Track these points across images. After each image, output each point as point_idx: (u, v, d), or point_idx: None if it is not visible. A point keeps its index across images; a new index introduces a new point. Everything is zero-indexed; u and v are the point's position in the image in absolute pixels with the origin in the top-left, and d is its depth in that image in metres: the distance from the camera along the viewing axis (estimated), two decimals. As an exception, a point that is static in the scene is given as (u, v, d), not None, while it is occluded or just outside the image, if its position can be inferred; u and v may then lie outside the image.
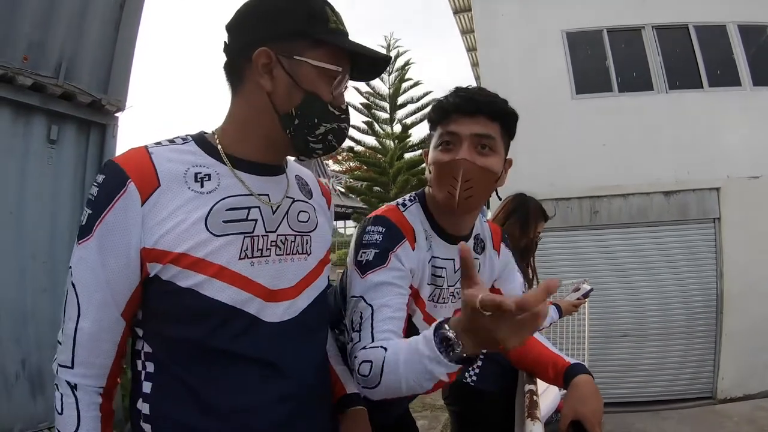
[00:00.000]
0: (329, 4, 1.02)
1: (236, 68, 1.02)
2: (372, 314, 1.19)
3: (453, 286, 1.44)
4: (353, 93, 20.45)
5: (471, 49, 10.92)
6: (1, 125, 3.45)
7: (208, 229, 0.95)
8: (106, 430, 0.99)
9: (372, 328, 1.18)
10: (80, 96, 3.77)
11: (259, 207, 1.02)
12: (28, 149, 3.65)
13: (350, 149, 21.60)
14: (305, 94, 0.98)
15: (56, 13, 3.65)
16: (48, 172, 3.78)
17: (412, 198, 1.45)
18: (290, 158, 1.16)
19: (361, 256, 1.27)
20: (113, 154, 4.23)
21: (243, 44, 1.00)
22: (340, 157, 27.03)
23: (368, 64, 1.07)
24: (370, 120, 20.59)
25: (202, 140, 1.04)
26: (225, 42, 1.04)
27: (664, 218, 6.66)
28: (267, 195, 1.05)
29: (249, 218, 1.01)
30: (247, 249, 0.99)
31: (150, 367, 0.99)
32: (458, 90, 1.36)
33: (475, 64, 11.33)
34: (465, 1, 8.84)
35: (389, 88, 20.44)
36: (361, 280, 1.24)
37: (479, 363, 2.50)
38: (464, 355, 0.93)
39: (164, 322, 0.97)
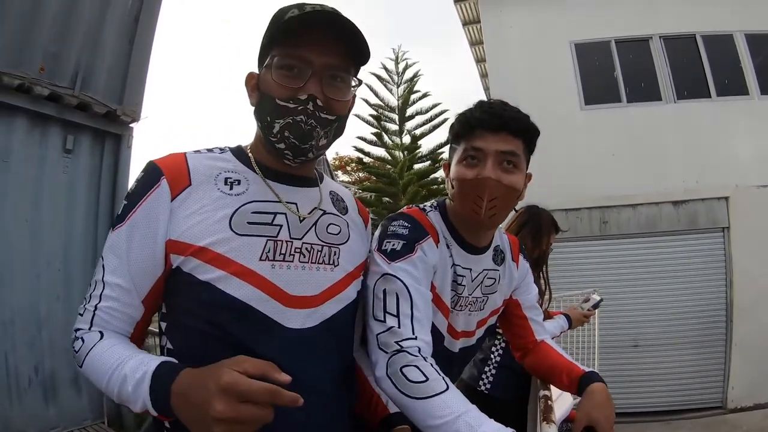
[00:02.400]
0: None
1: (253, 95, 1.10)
2: (411, 300, 1.18)
3: (471, 294, 1.45)
4: (363, 105, 20.44)
5: (480, 60, 10.95)
6: (17, 134, 3.50)
7: (231, 228, 0.99)
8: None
9: (411, 314, 1.17)
10: (96, 106, 3.83)
11: (285, 214, 1.05)
12: (44, 158, 3.70)
13: (359, 160, 21.60)
14: (259, 96, 1.05)
15: (73, 25, 3.71)
16: (63, 180, 3.84)
17: (432, 206, 1.46)
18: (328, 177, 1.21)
19: (386, 245, 1.25)
20: (128, 164, 4.29)
21: (256, 74, 1.09)
22: (349, 168, 27.03)
23: (342, 37, 1.02)
24: (379, 131, 20.59)
25: (238, 151, 1.11)
26: None
27: (674, 228, 6.64)
28: (295, 204, 1.08)
29: (274, 223, 1.03)
30: (269, 252, 1.01)
31: None
32: (483, 104, 1.35)
33: (484, 75, 11.37)
34: (474, 13, 8.89)
35: (398, 100, 20.43)
36: (389, 264, 1.22)
37: (493, 371, 2.51)
38: None
39: (184, 315, 1.00)
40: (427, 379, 1.08)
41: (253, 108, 1.08)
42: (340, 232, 1.14)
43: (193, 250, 0.97)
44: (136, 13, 4.25)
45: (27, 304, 3.68)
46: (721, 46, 7.00)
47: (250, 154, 1.10)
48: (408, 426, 1.22)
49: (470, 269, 1.43)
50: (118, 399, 0.93)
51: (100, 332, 0.98)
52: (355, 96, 1.12)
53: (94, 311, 0.98)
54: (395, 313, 1.16)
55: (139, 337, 1.05)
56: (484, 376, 2.53)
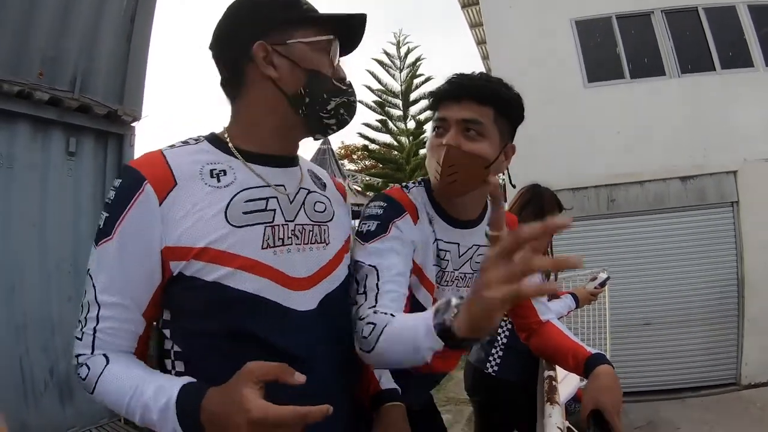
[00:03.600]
0: None
1: (237, 73, 1.06)
2: (377, 275, 1.20)
3: (458, 269, 1.45)
4: (366, 92, 20.42)
5: (481, 42, 10.88)
6: (20, 140, 3.52)
7: (228, 221, 0.97)
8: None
9: (377, 290, 1.17)
10: (96, 108, 3.84)
11: (276, 197, 1.05)
12: (48, 162, 3.72)
13: (365, 147, 21.57)
14: (308, 72, 1.04)
15: (69, 28, 3.72)
16: (68, 183, 3.86)
17: (417, 182, 1.47)
18: (301, 155, 1.20)
19: (362, 227, 1.29)
20: (131, 164, 4.29)
21: (238, 49, 1.04)
22: (355, 156, 27.07)
23: (349, 32, 1.11)
24: (383, 118, 20.54)
25: (214, 138, 1.07)
26: (216, 59, 1.10)
27: (682, 204, 6.59)
28: (283, 185, 1.07)
29: (268, 208, 1.03)
30: (269, 238, 1.01)
31: (180, 366, 1.00)
32: (452, 76, 1.37)
33: (486, 57, 11.29)
34: (473, -6, 8.82)
35: (401, 85, 20.38)
36: (363, 246, 1.25)
37: (500, 353, 2.52)
38: (455, 335, 0.87)
39: (192, 318, 0.98)
40: (375, 324, 1.07)
41: (275, 81, 1.03)
42: (325, 209, 1.15)
43: (195, 253, 0.94)
44: (131, 12, 4.24)
45: (39, 307, 3.71)
46: (724, 18, 6.89)
47: (228, 141, 1.07)
48: (401, 404, 1.25)
49: (457, 244, 1.43)
50: (142, 423, 0.91)
51: (105, 355, 0.95)
52: None
53: (93, 334, 0.95)
54: (363, 291, 1.18)
55: (143, 351, 1.02)
56: (491, 358, 2.54)
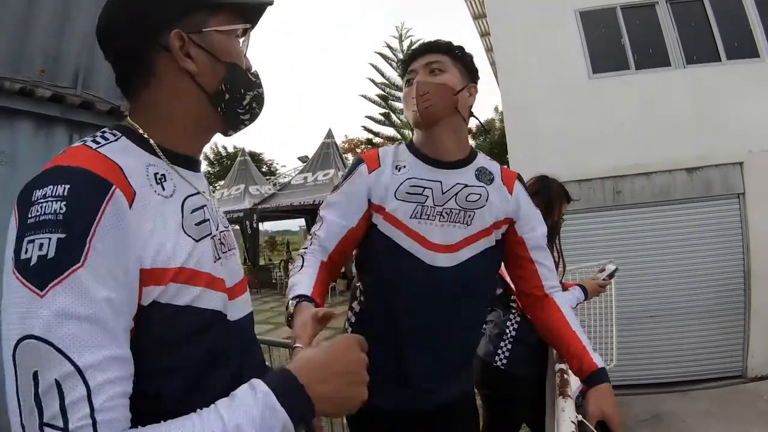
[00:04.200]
0: None
1: (145, 65, 0.90)
2: (321, 224, 1.65)
3: (442, 205, 1.61)
4: (369, 85, 20.48)
5: (484, 34, 10.83)
6: (23, 138, 3.51)
7: (189, 235, 0.86)
8: None
9: (314, 236, 1.64)
10: (99, 104, 3.82)
11: (206, 205, 0.96)
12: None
13: (369, 141, 21.61)
14: (227, 66, 0.94)
15: (70, 24, 3.70)
16: (71, 181, 3.86)
17: (401, 141, 1.77)
18: None
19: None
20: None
21: (145, 38, 0.89)
22: (359, 150, 27.07)
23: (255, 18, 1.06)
24: (387, 111, 20.56)
25: (132, 135, 0.88)
26: (112, 50, 0.93)
27: (688, 195, 6.55)
28: (205, 191, 0.99)
29: (206, 218, 0.93)
30: (214, 250, 0.93)
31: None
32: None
33: (489, 50, 11.25)
34: (475, -15, 8.77)
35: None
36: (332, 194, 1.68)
37: (509, 346, 2.51)
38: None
39: (159, 354, 0.77)
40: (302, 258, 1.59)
41: (193, 76, 0.92)
42: (222, 213, 1.10)
43: (172, 274, 0.79)
44: (133, 7, 4.24)
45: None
46: (729, 7, 6.83)
47: (148, 138, 0.89)
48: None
49: (439, 182, 1.62)
50: None
51: None
52: None
53: (93, 421, 0.62)
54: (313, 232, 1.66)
55: None
56: (500, 351, 2.53)
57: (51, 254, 0.65)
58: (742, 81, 6.57)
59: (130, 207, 0.74)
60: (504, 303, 2.57)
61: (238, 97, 0.97)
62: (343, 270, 14.61)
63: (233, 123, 1.01)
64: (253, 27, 1.03)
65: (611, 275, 2.96)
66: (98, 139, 0.82)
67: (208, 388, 0.80)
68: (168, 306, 0.78)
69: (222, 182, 23.15)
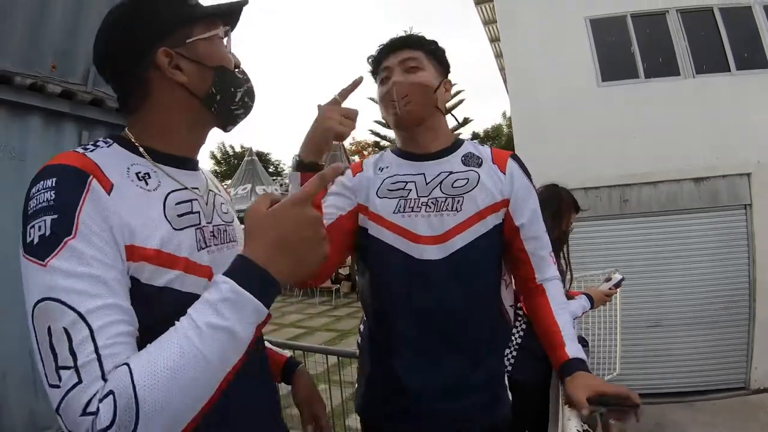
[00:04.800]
0: None
1: (140, 84, 1.00)
2: None
3: (427, 195, 1.55)
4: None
5: (494, 39, 10.85)
6: (33, 133, 3.52)
7: (170, 224, 0.95)
8: None
9: None
10: (109, 101, 3.83)
11: (197, 199, 1.06)
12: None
13: (376, 144, 21.67)
14: (215, 70, 1.04)
15: (82, 21, 3.72)
16: (80, 177, 3.87)
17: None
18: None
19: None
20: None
21: (136, 60, 0.99)
22: (366, 153, 27.15)
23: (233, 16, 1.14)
24: (394, 114, 20.67)
25: (121, 141, 1.00)
26: (109, 75, 1.03)
27: (695, 205, 6.54)
28: (197, 188, 1.08)
29: (194, 210, 1.03)
30: (200, 240, 1.01)
31: None
32: (384, 41, 1.64)
33: (498, 55, 11.27)
34: (486, -9, 8.79)
35: (412, 81, 20.47)
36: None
37: (514, 353, 2.50)
38: (300, 159, 1.31)
39: (149, 334, 0.79)
40: None
41: (184, 85, 1.01)
42: (228, 210, 1.20)
43: (148, 255, 0.87)
44: (145, 6, 4.26)
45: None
46: (739, 18, 6.85)
47: (136, 143, 1.00)
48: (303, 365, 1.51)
49: (422, 174, 1.58)
50: (216, 372, 0.73)
51: (124, 364, 0.71)
52: None
53: (98, 357, 0.71)
54: None
55: None
56: (505, 359, 2.52)
57: (47, 232, 0.77)
58: (751, 92, 6.57)
59: (109, 194, 0.85)
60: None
61: (230, 96, 1.06)
62: (348, 272, 14.61)
63: (228, 119, 1.10)
64: (233, 27, 1.13)
65: (617, 284, 2.95)
66: (90, 146, 0.94)
67: None
68: (148, 286, 0.87)
69: (229, 181, 23.22)
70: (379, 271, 1.57)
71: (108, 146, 0.97)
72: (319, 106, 1.31)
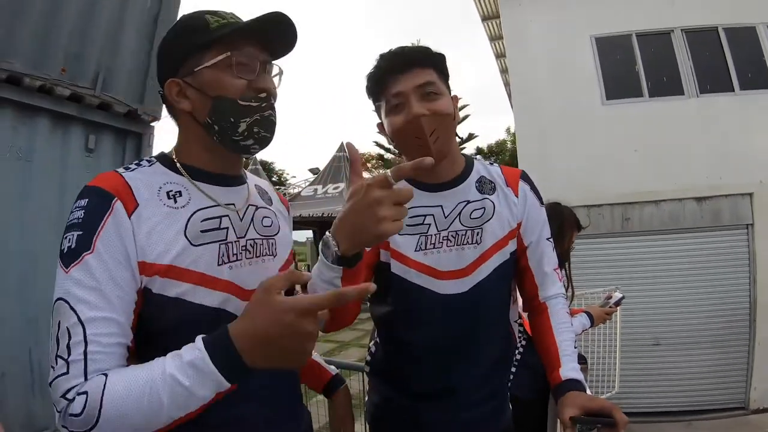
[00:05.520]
0: (209, 11, 1.08)
1: (169, 109, 1.13)
2: None
3: (446, 229, 1.47)
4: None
5: (500, 55, 10.89)
6: (40, 135, 3.54)
7: (188, 240, 1.01)
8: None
9: None
10: (117, 106, 3.86)
11: (228, 215, 1.10)
12: (67, 157, 3.73)
13: (380, 157, 21.70)
14: (212, 100, 1.05)
15: (93, 25, 3.74)
16: (86, 179, 3.84)
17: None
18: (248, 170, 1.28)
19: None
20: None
21: (161, 87, 1.10)
22: (369, 165, 27.19)
23: (277, 34, 1.10)
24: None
25: (165, 159, 1.11)
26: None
27: (697, 225, 6.55)
28: (233, 203, 1.12)
29: (221, 226, 1.07)
30: (223, 255, 1.06)
31: None
32: (383, 56, 1.43)
33: (504, 71, 11.31)
34: (493, 7, 8.84)
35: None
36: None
37: (513, 370, 2.50)
38: (338, 253, 1.05)
39: (161, 338, 0.97)
40: None
41: (190, 113, 1.08)
42: (272, 223, 1.21)
43: (159, 269, 0.97)
44: (155, 12, 4.27)
45: (51, 301, 3.73)
46: (744, 38, 6.89)
47: (176, 161, 1.10)
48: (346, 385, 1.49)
49: (440, 206, 1.48)
50: (169, 412, 0.84)
51: (103, 374, 0.87)
52: None
53: (84, 358, 0.87)
54: None
55: None
56: (504, 375, 2.51)
57: (73, 245, 0.93)
58: (754, 112, 6.60)
59: (131, 214, 0.97)
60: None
61: (229, 126, 1.06)
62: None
63: (235, 148, 1.10)
64: (275, 49, 1.12)
65: (618, 303, 2.95)
66: (133, 165, 1.07)
67: None
68: (160, 296, 0.97)
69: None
70: (401, 307, 1.53)
71: (150, 165, 1.08)
72: (367, 186, 0.99)
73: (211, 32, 1.04)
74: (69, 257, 0.92)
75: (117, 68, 3.97)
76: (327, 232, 1.08)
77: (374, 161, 24.43)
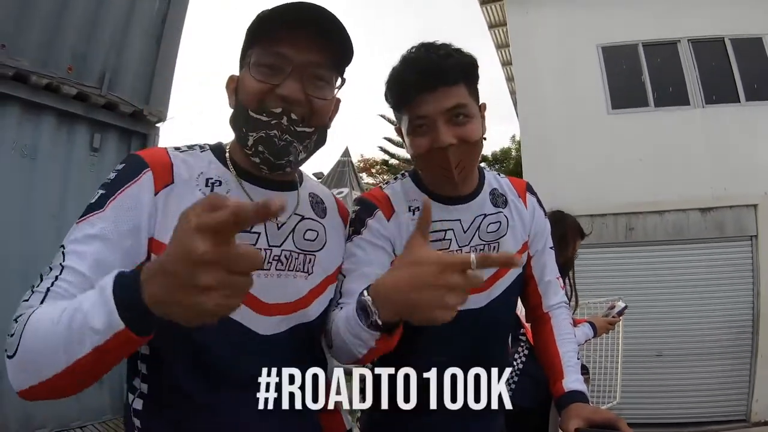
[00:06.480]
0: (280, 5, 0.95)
1: None
2: (344, 278, 1.17)
3: (466, 244, 1.39)
4: (387, 107, 20.69)
5: (506, 63, 10.89)
6: (45, 132, 3.55)
7: None
8: None
9: (342, 289, 1.15)
10: (122, 106, 3.88)
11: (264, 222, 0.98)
12: (71, 156, 3.75)
13: (384, 162, 21.74)
14: (236, 104, 1.02)
15: (100, 25, 3.76)
16: (90, 178, 3.89)
17: (402, 175, 1.43)
18: (310, 175, 1.20)
19: (347, 230, 1.27)
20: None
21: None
22: (374, 170, 27.17)
23: (304, 28, 0.95)
24: (404, 134, 20.80)
25: (218, 150, 1.07)
26: None
27: (701, 235, 6.53)
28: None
29: (252, 231, 1.00)
30: None
31: (143, 369, 0.98)
32: (407, 63, 1.22)
33: (510, 79, 11.31)
34: (500, 15, 8.86)
35: (422, 101, 20.64)
36: (348, 244, 1.23)
37: (515, 378, 2.49)
38: (379, 322, 0.89)
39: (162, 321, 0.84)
40: (333, 320, 1.11)
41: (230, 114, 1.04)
42: (316, 237, 1.12)
43: (165, 249, 0.81)
44: (162, 13, 4.30)
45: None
46: (750, 49, 6.88)
47: (228, 155, 1.06)
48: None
49: (458, 220, 1.38)
50: (67, 344, 0.71)
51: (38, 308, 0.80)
52: (339, 101, 1.10)
53: (46, 294, 0.82)
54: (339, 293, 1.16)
55: None
56: (506, 384, 2.50)
57: (93, 201, 0.92)
58: (760, 122, 6.58)
59: (161, 190, 0.95)
60: (513, 336, 2.55)
61: (242, 137, 0.99)
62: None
63: (251, 163, 1.02)
64: (269, 53, 0.97)
65: (621, 313, 2.94)
66: (187, 147, 1.05)
67: (196, 373, 0.95)
68: None
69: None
70: (421, 326, 1.48)
71: (202, 151, 1.06)
72: (446, 266, 0.82)
73: (258, 23, 0.96)
74: (86, 211, 0.92)
75: (123, 68, 3.99)
76: (365, 292, 0.91)
77: (378, 167, 24.38)
